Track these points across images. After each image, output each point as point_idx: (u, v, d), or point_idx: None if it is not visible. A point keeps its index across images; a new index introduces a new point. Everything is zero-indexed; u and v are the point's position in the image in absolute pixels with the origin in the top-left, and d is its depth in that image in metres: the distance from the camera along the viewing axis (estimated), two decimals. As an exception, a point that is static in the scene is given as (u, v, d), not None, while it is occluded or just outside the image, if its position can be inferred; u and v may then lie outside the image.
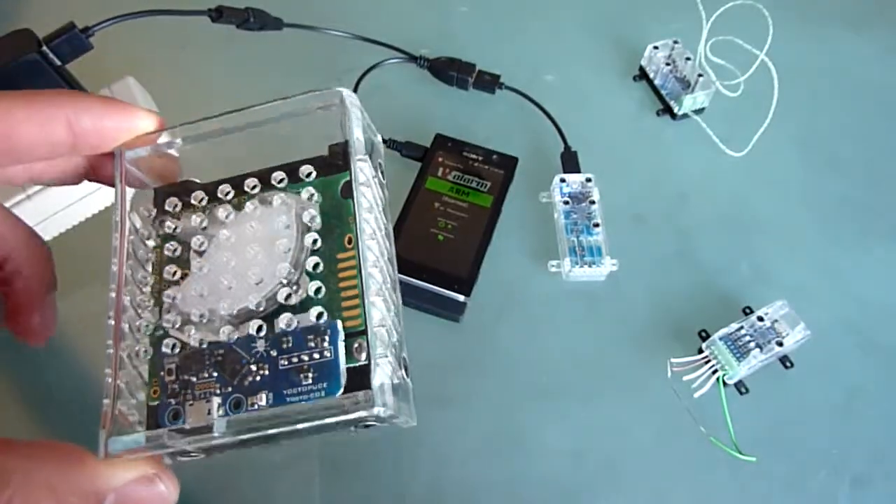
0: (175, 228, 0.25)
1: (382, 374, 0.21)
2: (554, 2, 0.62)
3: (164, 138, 0.26)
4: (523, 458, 0.41)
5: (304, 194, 0.24)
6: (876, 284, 0.47)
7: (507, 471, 0.41)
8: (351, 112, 0.25)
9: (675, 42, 0.55)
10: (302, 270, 0.23)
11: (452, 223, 0.47)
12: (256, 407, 0.21)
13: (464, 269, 0.46)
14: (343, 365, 0.21)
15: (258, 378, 0.21)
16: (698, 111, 0.54)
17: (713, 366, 0.42)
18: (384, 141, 0.52)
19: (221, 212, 0.25)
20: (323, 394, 0.21)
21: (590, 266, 0.45)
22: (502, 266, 0.47)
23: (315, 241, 0.24)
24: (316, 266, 0.23)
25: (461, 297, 0.45)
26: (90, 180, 0.27)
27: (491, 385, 0.44)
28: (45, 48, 0.39)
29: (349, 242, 0.23)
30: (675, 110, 0.54)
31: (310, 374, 0.21)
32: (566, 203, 0.48)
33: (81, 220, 0.47)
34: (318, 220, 0.24)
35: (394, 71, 0.56)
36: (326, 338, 0.21)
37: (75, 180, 0.27)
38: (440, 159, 0.50)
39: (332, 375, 0.21)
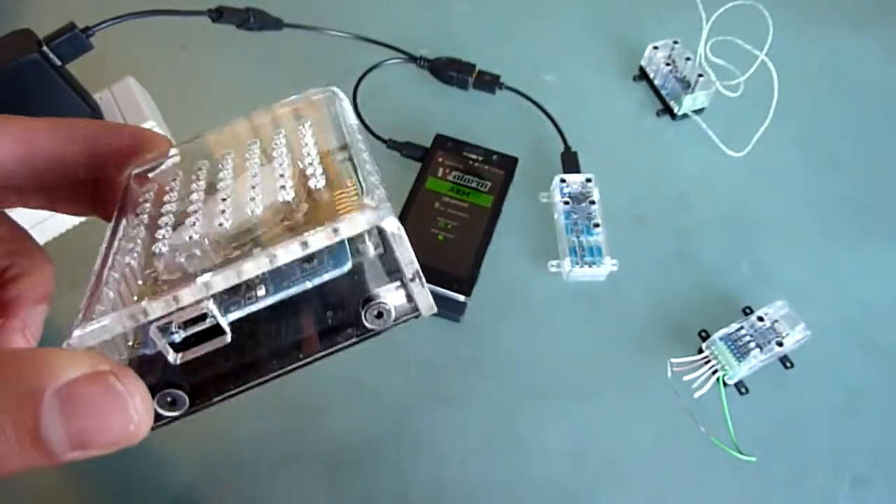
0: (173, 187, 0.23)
1: (387, 212, 0.18)
2: (554, 2, 0.62)
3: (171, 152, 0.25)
4: (523, 458, 0.41)
5: (300, 124, 0.23)
6: (876, 284, 0.47)
7: (507, 471, 0.41)
8: (343, 101, 0.24)
9: (675, 42, 0.55)
10: (302, 195, 0.21)
11: (452, 223, 0.47)
12: (254, 298, 0.19)
13: (464, 269, 0.46)
14: (349, 248, 0.19)
15: (256, 280, 0.19)
16: (698, 111, 0.54)
17: (713, 366, 0.42)
18: (384, 141, 0.52)
19: (221, 163, 0.23)
20: (329, 267, 0.19)
21: (590, 266, 0.45)
22: (502, 266, 0.47)
23: (312, 163, 0.22)
24: (316, 176, 0.21)
25: (461, 297, 0.45)
26: (96, 213, 0.27)
27: (491, 385, 0.44)
28: (45, 48, 0.39)
29: (350, 181, 0.21)
30: (675, 110, 0.54)
31: (314, 261, 0.19)
32: (566, 203, 0.48)
33: (81, 221, 0.47)
34: (314, 142, 0.22)
35: (394, 71, 0.56)
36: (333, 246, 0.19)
37: (83, 210, 0.27)
38: (440, 159, 0.50)
39: (339, 252, 0.19)
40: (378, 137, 0.52)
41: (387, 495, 0.40)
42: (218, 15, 0.47)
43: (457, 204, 0.48)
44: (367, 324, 0.21)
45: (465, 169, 0.50)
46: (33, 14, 0.62)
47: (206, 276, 0.18)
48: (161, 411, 0.20)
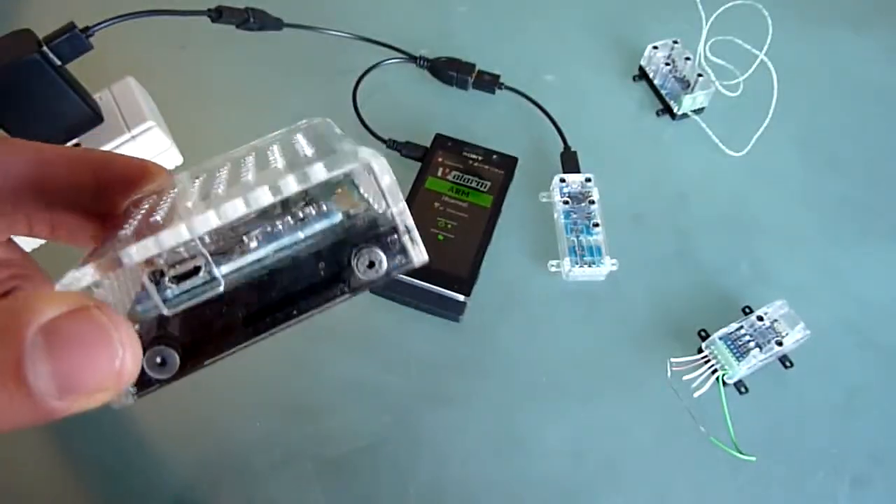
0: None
1: (371, 154, 0.18)
2: (554, 2, 0.62)
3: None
4: (523, 458, 0.41)
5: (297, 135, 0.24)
6: (876, 284, 0.47)
7: (507, 471, 0.41)
8: (333, 125, 0.24)
9: (675, 42, 0.55)
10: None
11: (452, 223, 0.47)
12: (246, 250, 0.19)
13: (464, 268, 0.46)
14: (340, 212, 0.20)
15: (250, 235, 0.19)
16: (698, 111, 0.54)
17: (713, 365, 0.42)
18: (384, 141, 0.52)
19: (217, 172, 0.23)
20: (320, 218, 0.19)
21: (590, 266, 0.45)
22: (502, 266, 0.47)
23: (304, 148, 0.22)
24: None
25: (461, 297, 0.45)
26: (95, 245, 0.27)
27: (491, 385, 0.44)
28: (45, 48, 0.39)
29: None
30: (675, 110, 0.54)
31: (305, 216, 0.20)
32: (566, 203, 0.48)
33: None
34: (307, 144, 0.23)
35: (394, 71, 0.56)
36: (321, 202, 0.20)
37: (84, 240, 0.27)
38: (440, 159, 0.50)
39: (330, 203, 0.20)
40: (378, 137, 0.52)
41: (387, 495, 0.40)
42: (218, 15, 0.47)
43: (457, 204, 0.48)
44: (359, 275, 0.21)
45: (465, 169, 0.50)
46: (33, 14, 0.62)
47: (189, 219, 0.18)
48: (151, 374, 0.20)
